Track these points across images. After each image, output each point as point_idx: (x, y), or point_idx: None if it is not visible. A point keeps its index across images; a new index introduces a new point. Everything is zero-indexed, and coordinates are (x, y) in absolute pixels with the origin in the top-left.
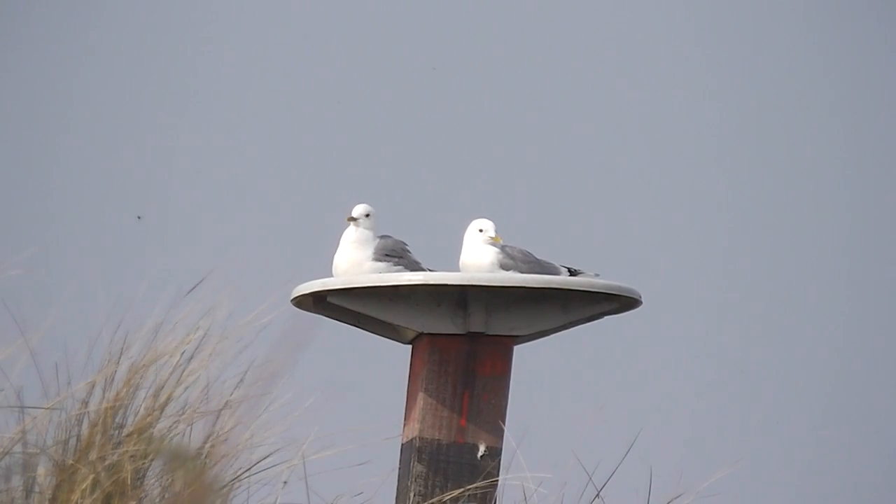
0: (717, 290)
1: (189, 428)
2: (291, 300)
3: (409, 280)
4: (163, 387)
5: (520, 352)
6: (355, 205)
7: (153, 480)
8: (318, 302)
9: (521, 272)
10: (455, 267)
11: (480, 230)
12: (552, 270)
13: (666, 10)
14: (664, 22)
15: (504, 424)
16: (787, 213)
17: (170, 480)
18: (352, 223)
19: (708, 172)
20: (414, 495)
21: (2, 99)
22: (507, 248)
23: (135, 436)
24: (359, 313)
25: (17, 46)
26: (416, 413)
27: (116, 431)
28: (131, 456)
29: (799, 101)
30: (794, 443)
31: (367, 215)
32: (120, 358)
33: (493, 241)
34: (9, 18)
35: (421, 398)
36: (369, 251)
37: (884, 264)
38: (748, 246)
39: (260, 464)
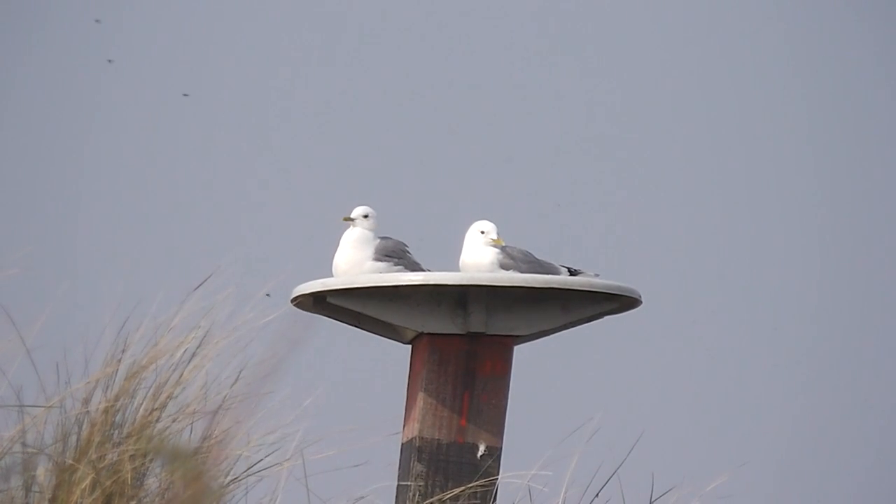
0: (716, 290)
1: (188, 427)
2: (291, 300)
3: (410, 280)
4: (162, 386)
5: (520, 352)
6: (355, 206)
7: (153, 480)
8: (318, 302)
9: (521, 272)
10: (455, 267)
11: (482, 232)
12: (552, 270)
13: (663, 9)
14: (662, 22)
15: (504, 424)
16: (788, 212)
17: (169, 480)
18: (349, 223)
19: (708, 172)
20: (414, 495)
21: (1, 98)
22: (506, 248)
23: (134, 436)
24: (359, 313)
25: (15, 46)
26: (416, 413)
27: (116, 431)
28: (131, 456)
29: (799, 100)
30: (795, 443)
31: (365, 216)
32: (120, 357)
33: (495, 244)
34: (8, 19)
35: (421, 398)
36: (369, 251)
37: (885, 264)
38: (748, 245)
39: (259, 463)
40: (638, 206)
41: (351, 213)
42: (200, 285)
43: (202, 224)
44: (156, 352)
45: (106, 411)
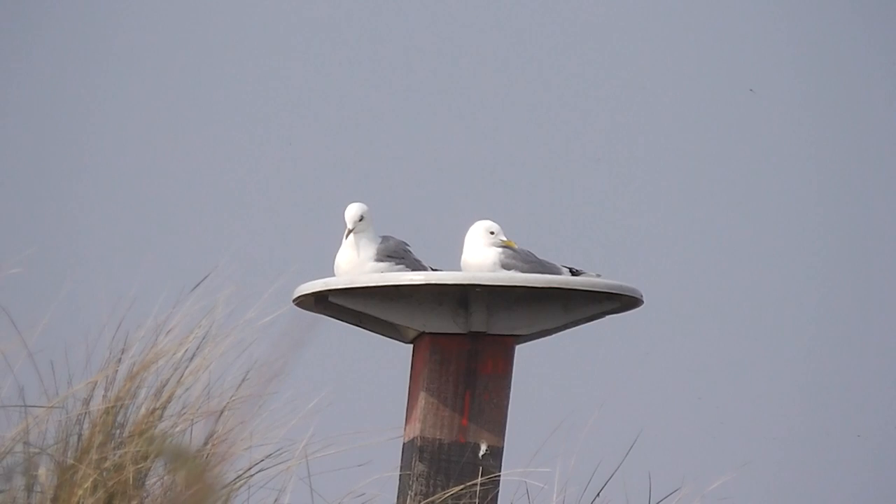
0: (717, 290)
1: (190, 428)
2: (293, 300)
3: (411, 280)
4: (164, 386)
5: (521, 351)
6: (348, 204)
7: (155, 481)
8: (320, 301)
9: (523, 272)
10: (456, 267)
11: (492, 233)
12: (554, 270)
13: (664, 10)
14: (664, 22)
15: (505, 424)
16: (789, 212)
17: (171, 481)
18: (351, 234)
19: (709, 172)
20: (415, 494)
21: (2, 99)
22: (508, 248)
23: (136, 436)
24: (360, 313)
25: (17, 47)
26: (418, 412)
27: (118, 431)
28: (133, 456)
29: (800, 100)
30: (795, 443)
31: (361, 219)
32: (121, 357)
33: (506, 245)
34: (8, 19)
35: (422, 397)
36: (371, 251)
37: (886, 264)
38: (749, 245)
39: (261, 463)
40: (639, 206)
41: (346, 218)
42: (199, 285)
43: (204, 224)
44: (157, 351)
45: (107, 411)
